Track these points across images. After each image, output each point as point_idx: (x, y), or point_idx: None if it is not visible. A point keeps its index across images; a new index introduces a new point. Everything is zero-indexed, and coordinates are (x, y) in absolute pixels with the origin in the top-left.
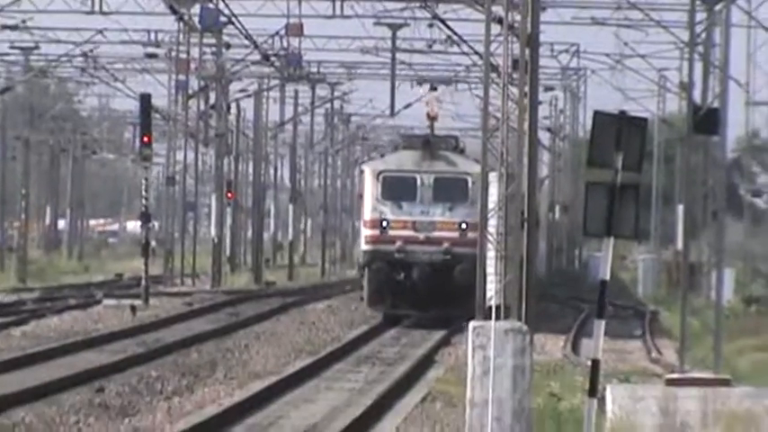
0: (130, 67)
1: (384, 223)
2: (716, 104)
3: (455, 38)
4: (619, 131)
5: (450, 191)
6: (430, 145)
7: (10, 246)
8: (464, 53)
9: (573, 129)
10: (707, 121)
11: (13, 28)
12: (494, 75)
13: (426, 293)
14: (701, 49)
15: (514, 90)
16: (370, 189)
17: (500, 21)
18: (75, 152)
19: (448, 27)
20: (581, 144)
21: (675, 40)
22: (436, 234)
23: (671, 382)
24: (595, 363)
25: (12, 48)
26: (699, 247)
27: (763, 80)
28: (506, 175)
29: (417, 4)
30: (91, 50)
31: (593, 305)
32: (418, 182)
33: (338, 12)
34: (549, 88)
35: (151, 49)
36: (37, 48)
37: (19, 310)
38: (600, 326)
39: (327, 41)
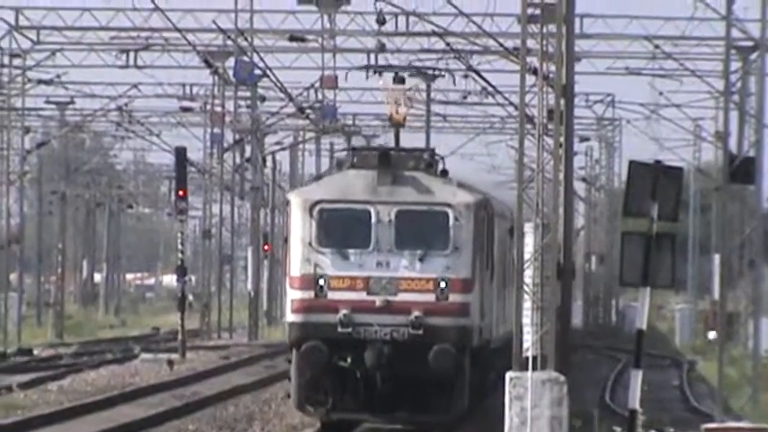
0: (165, 121)
1: (321, 282)
2: (752, 153)
3: (490, 89)
4: (654, 181)
5: (422, 231)
6: (390, 161)
7: (47, 300)
8: (499, 104)
9: (608, 179)
10: (743, 170)
11: (48, 83)
12: (529, 126)
13: (386, 389)
14: (736, 98)
15: (549, 141)
16: (300, 230)
17: (535, 71)
18: (110, 206)
19: (483, 78)
20: (617, 194)
21: (710, 90)
22: (401, 297)
23: None
24: (633, 413)
25: (47, 102)
26: (736, 296)
27: None
28: (542, 225)
29: (452, 56)
30: (126, 104)
31: (630, 355)
32: (373, 218)
33: (373, 63)
34: (584, 138)
35: (186, 103)
36: (72, 102)
37: (56, 364)
38: (637, 376)
39: (362, 93)
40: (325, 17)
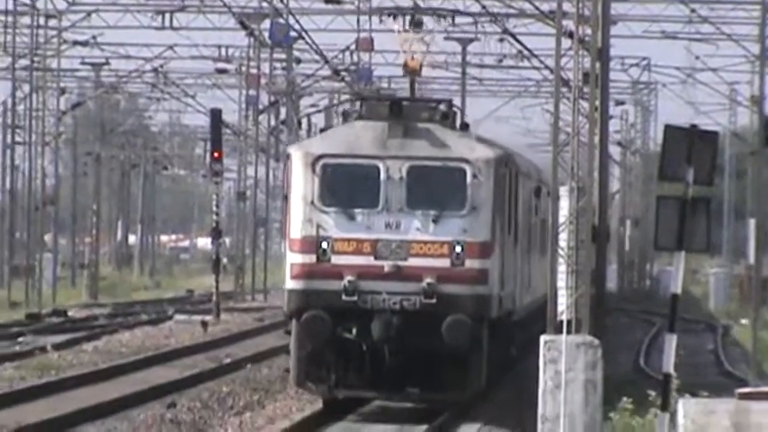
0: (201, 83)
1: (324, 244)
2: None
3: (525, 52)
4: (690, 145)
5: (437, 189)
6: (402, 112)
7: (82, 262)
8: (534, 68)
9: (643, 143)
10: None
11: (84, 44)
12: (564, 89)
13: (395, 364)
14: None
15: (585, 104)
16: (302, 187)
17: (570, 35)
18: (145, 167)
19: (518, 41)
20: (652, 158)
21: (746, 54)
22: (412, 263)
23: (743, 396)
24: (667, 377)
25: (82, 63)
26: None
27: None
28: (577, 188)
29: (487, 19)
30: (161, 66)
31: (664, 319)
32: (382, 174)
33: (408, 26)
34: (619, 102)
35: (221, 65)
36: (107, 63)
37: (91, 325)
38: (671, 340)
39: (398, 56)
40: None
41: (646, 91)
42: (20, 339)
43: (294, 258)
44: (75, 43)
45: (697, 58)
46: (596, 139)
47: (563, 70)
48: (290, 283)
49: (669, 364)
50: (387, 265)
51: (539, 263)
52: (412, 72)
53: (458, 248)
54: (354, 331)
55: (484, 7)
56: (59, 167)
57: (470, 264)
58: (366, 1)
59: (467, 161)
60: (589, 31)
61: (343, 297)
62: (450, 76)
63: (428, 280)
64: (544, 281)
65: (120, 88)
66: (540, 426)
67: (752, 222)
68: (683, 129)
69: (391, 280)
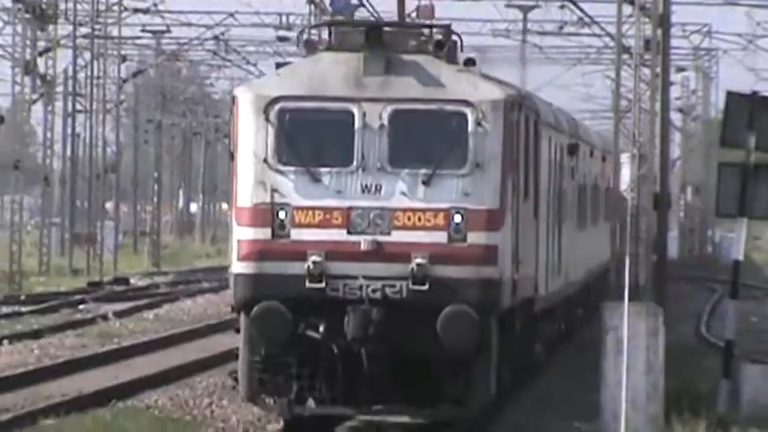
0: (262, 51)
1: (281, 215)
2: None
3: (586, 19)
4: (752, 112)
5: (429, 141)
6: (383, 40)
7: (143, 230)
8: (595, 35)
9: (705, 109)
10: None
11: (145, 11)
12: (625, 56)
13: (375, 371)
14: None
15: (646, 71)
16: (252, 141)
17: (632, 1)
18: (207, 135)
19: (579, 8)
20: (713, 125)
21: None
22: (398, 238)
23: None
24: (729, 343)
25: (143, 31)
26: None
27: None
28: (638, 156)
29: None
30: (222, 33)
31: (726, 286)
32: (357, 122)
33: None
34: (680, 69)
35: (283, 33)
36: (168, 31)
37: (152, 293)
38: (733, 306)
39: (458, 24)
40: None
41: (707, 58)
42: (81, 307)
43: (242, 233)
44: (136, 11)
45: (758, 24)
46: (657, 105)
47: (624, 37)
48: (237, 266)
49: (731, 330)
50: (364, 241)
51: (576, 237)
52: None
53: (457, 218)
54: (322, 329)
55: None
56: (120, 135)
57: (474, 238)
58: None
59: (468, 103)
60: None
61: (307, 284)
62: (509, 44)
63: (418, 260)
64: (584, 260)
65: (181, 56)
66: (602, 393)
67: None
68: (744, 95)
69: (370, 261)
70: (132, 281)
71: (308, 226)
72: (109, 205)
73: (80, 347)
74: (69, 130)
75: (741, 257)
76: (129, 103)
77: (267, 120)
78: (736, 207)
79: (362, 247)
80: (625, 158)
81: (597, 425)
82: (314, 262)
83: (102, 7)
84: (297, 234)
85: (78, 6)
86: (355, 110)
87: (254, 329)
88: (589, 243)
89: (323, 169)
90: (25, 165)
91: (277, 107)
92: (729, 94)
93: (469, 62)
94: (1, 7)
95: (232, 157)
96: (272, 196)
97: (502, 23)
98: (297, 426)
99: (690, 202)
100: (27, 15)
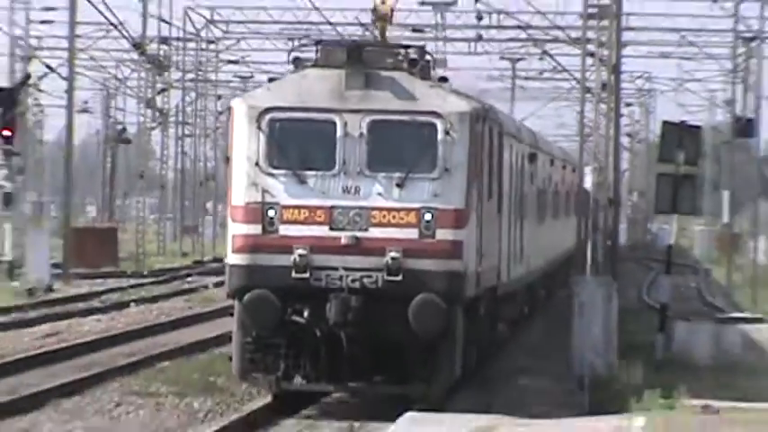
0: None
1: (271, 213)
2: (751, 116)
3: (559, 67)
4: (680, 136)
5: (403, 148)
6: (363, 59)
7: None
8: (566, 79)
9: (646, 134)
10: (745, 128)
11: (235, 62)
12: (588, 95)
13: (353, 352)
14: (741, 74)
15: (603, 106)
16: (245, 146)
17: (593, 54)
18: None
19: (554, 60)
20: (652, 146)
21: (722, 69)
22: (374, 234)
23: (719, 321)
24: (663, 306)
25: (234, 77)
26: (740, 221)
27: None
28: (598, 168)
29: (531, 43)
30: None
31: (661, 264)
32: (338, 130)
33: (473, 50)
34: (628, 104)
35: None
36: (252, 77)
37: None
38: (666, 279)
39: (462, 72)
40: (438, 14)
41: (648, 96)
42: (188, 279)
43: (236, 229)
44: (229, 62)
45: (686, 71)
46: (611, 131)
47: (587, 81)
48: (232, 258)
49: (665, 297)
50: (344, 236)
51: (536, 232)
52: (382, 18)
53: (427, 216)
54: (306, 314)
55: (529, 35)
56: (217, 153)
57: (442, 235)
58: (442, 32)
59: (438, 115)
60: (606, 52)
61: (294, 274)
62: (502, 86)
63: (392, 254)
64: (543, 251)
65: None
66: (572, 343)
67: (725, 193)
68: (675, 124)
69: (349, 254)
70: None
71: (295, 223)
72: (209, 205)
73: (187, 309)
74: (179, 150)
75: (672, 242)
76: (223, 129)
77: (259, 128)
78: (669, 206)
79: (343, 241)
80: (588, 170)
81: (564, 379)
82: (299, 255)
83: (203, 59)
84: (284, 230)
85: (186, 58)
86: (337, 120)
87: (245, 314)
88: (549, 236)
89: (308, 172)
90: (147, 175)
91: (268, 117)
92: (664, 123)
93: (442, 79)
94: (130, 58)
95: (227, 160)
96: (263, 196)
97: (496, 71)
98: (283, 400)
99: (635, 202)
100: (148, 65)
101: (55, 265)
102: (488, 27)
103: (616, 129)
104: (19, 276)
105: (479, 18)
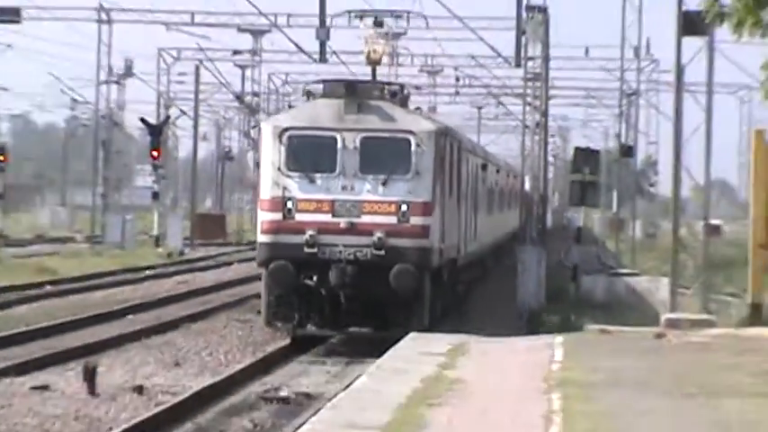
0: None
1: (289, 204)
2: (631, 144)
3: (509, 112)
4: (586, 156)
5: (386, 157)
6: (357, 92)
7: None
8: (513, 119)
9: (564, 155)
10: (627, 151)
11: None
12: (527, 129)
13: (349, 306)
14: (625, 117)
15: (537, 137)
16: (270, 155)
17: (530, 104)
18: None
19: (505, 107)
20: (568, 162)
21: (613, 113)
22: (364, 220)
23: (611, 274)
24: (575, 266)
25: None
26: (624, 211)
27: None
28: (533, 176)
29: (491, 96)
30: None
31: (574, 239)
32: (339, 144)
33: (453, 100)
34: (552, 136)
35: None
36: None
37: None
38: (577, 248)
39: (441, 115)
40: (431, 78)
41: (565, 130)
42: None
43: (264, 216)
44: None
45: (589, 114)
46: (542, 154)
47: (526, 121)
48: (261, 237)
49: (575, 259)
50: (342, 221)
51: (487, 219)
52: (373, 63)
53: (403, 207)
54: (315, 279)
55: (489, 92)
56: None
57: (414, 221)
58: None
59: (412, 132)
60: (538, 102)
61: (305, 249)
62: (473, 123)
63: (378, 235)
64: (492, 232)
65: None
66: (517, 291)
67: (615, 193)
68: (582, 149)
69: (346, 234)
70: None
71: (306, 211)
72: None
73: None
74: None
75: (581, 225)
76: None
77: (280, 142)
78: (578, 201)
79: (342, 225)
80: (527, 177)
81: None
82: (310, 235)
83: (280, 106)
84: (299, 217)
85: (269, 105)
86: (338, 136)
87: (270, 279)
88: (496, 222)
89: (316, 174)
90: (244, 181)
91: (287, 134)
92: (576, 148)
93: (417, 108)
94: (233, 105)
95: (258, 166)
96: (283, 192)
97: (468, 114)
98: (298, 342)
99: (557, 198)
100: (245, 109)
101: (185, 238)
102: (463, 86)
103: (545, 152)
104: (162, 245)
105: (457, 80)
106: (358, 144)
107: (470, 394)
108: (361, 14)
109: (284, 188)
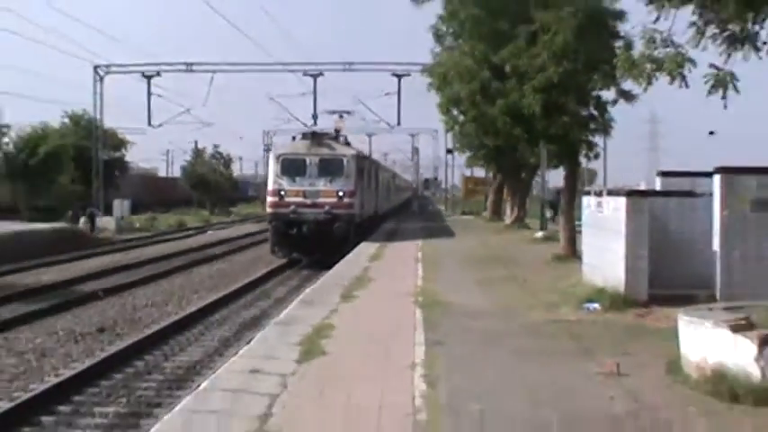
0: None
1: (282, 192)
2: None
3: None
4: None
5: (331, 168)
6: (317, 136)
7: None
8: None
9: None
10: (432, 182)
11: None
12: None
13: (314, 243)
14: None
15: (412, 162)
16: (273, 167)
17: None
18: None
19: (416, 150)
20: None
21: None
22: (320, 200)
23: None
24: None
25: None
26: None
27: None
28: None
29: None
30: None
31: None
32: (308, 162)
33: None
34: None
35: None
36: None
37: None
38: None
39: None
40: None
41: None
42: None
43: (270, 198)
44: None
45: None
46: (416, 168)
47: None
48: (268, 210)
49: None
50: (309, 201)
51: (387, 199)
52: (337, 131)
53: (340, 193)
54: (295, 230)
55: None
56: None
57: (346, 200)
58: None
59: (344, 155)
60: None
61: (291, 216)
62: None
63: (327, 207)
64: (389, 205)
65: None
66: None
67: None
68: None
69: (312, 208)
70: None
71: (291, 196)
72: None
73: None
74: None
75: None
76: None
77: (278, 161)
78: (424, 189)
79: (308, 203)
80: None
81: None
82: (292, 209)
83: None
84: (287, 198)
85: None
86: (307, 158)
87: (273, 230)
88: (392, 201)
89: (296, 177)
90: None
91: (282, 157)
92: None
93: (348, 143)
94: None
95: (268, 173)
96: (279, 186)
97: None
98: (289, 262)
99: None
100: (265, 146)
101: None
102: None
103: (417, 167)
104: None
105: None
106: (317, 162)
107: (384, 261)
108: (333, 112)
109: (280, 184)
